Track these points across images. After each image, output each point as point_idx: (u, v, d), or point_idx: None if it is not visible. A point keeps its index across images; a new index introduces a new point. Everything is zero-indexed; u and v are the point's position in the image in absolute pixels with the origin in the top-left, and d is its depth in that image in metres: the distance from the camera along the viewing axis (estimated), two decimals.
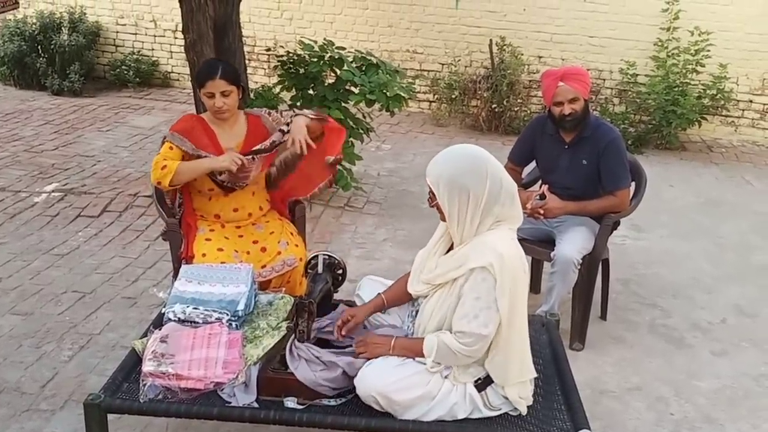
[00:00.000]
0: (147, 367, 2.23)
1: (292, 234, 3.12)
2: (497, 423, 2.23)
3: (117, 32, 8.34)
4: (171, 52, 8.25)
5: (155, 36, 8.27)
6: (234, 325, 2.42)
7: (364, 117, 5.26)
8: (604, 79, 7.43)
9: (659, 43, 7.12)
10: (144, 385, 2.20)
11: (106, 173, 5.44)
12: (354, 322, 2.44)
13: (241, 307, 2.46)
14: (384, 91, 4.85)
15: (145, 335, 2.46)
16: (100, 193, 5.02)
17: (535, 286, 3.90)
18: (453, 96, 7.31)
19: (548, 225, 3.48)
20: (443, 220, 2.26)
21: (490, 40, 7.16)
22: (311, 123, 3.08)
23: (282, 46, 7.71)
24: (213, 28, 4.56)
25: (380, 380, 2.18)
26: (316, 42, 5.09)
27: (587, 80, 3.39)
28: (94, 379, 2.99)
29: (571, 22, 7.34)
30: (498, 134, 7.08)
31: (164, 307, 2.50)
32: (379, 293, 2.50)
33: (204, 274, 2.62)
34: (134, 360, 2.36)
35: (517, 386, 2.24)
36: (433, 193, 2.21)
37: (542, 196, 3.35)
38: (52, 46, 7.63)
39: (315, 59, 4.98)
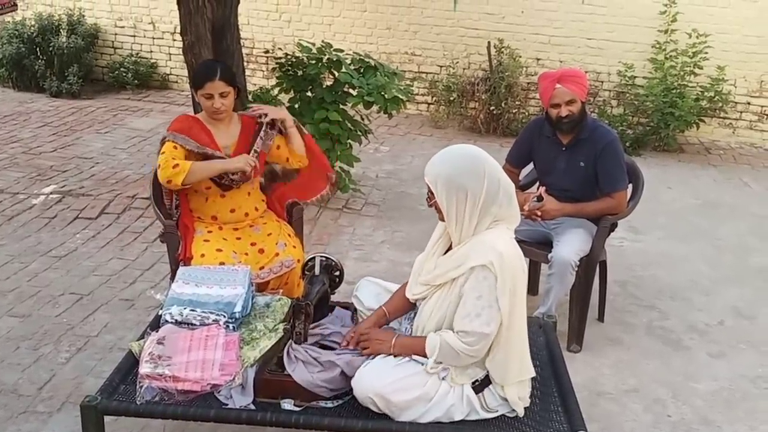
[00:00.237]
0: (144, 369, 2.22)
1: (289, 235, 3.13)
2: (494, 425, 2.23)
3: (115, 34, 8.34)
4: (170, 54, 8.25)
5: (154, 38, 8.28)
6: (231, 327, 2.42)
7: (362, 119, 5.26)
8: (602, 82, 7.44)
9: (657, 46, 7.13)
10: (141, 387, 2.20)
11: (104, 175, 5.45)
12: (357, 336, 2.43)
13: (238, 309, 2.46)
14: (382, 93, 4.86)
15: (142, 337, 2.46)
16: (98, 195, 5.02)
17: (532, 288, 3.90)
18: (451, 98, 7.31)
19: (545, 227, 3.48)
20: (442, 219, 2.27)
21: (488, 43, 7.17)
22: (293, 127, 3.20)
23: (280, 49, 7.72)
24: (211, 30, 4.56)
25: (377, 381, 2.18)
26: (314, 44, 5.10)
27: (584, 82, 3.39)
28: (91, 381, 2.99)
29: (569, 25, 7.35)
30: (496, 136, 7.09)
31: (161, 309, 2.50)
32: (381, 306, 2.48)
33: (201, 276, 2.62)
34: (131, 362, 2.36)
35: (517, 386, 2.24)
36: (432, 193, 2.22)
37: (539, 198, 3.36)
38: (51, 48, 7.63)
39: (313, 61, 4.98)
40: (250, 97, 5.03)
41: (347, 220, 4.98)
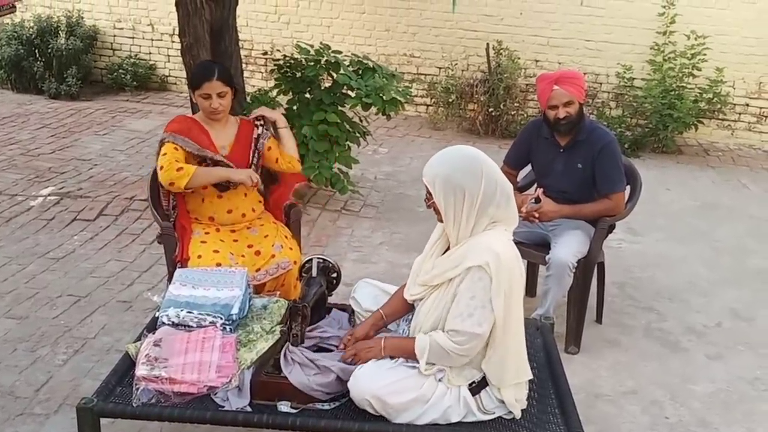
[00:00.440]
0: (140, 371, 2.22)
1: (286, 237, 3.13)
2: (491, 427, 2.23)
3: (114, 36, 8.34)
4: (168, 55, 8.26)
5: (153, 40, 8.28)
6: (228, 329, 2.42)
7: (361, 121, 5.27)
8: (601, 83, 7.44)
9: (656, 47, 7.13)
10: (137, 389, 2.19)
11: (102, 177, 5.44)
12: (354, 340, 2.43)
13: (235, 310, 2.46)
14: (380, 94, 4.86)
15: (138, 339, 2.45)
16: (96, 197, 5.02)
17: (530, 290, 3.89)
18: (450, 100, 7.32)
19: (543, 228, 3.48)
20: (440, 220, 2.27)
21: (487, 44, 7.18)
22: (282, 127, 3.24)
23: (279, 50, 7.72)
24: (209, 31, 4.56)
25: (374, 383, 2.18)
26: (312, 46, 5.10)
27: (582, 84, 3.39)
28: (88, 383, 2.99)
29: (567, 26, 7.35)
30: (495, 138, 7.09)
31: (158, 310, 2.50)
32: (378, 309, 2.47)
33: (198, 278, 2.62)
34: (127, 364, 2.36)
35: (513, 388, 2.24)
36: (430, 193, 2.22)
37: (537, 200, 3.36)
38: (50, 50, 7.63)
39: (311, 63, 4.98)
40: (248, 99, 5.03)
41: (346, 222, 4.98)
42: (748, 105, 7.32)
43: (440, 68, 7.70)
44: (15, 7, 6.99)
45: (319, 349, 2.48)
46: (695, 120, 6.88)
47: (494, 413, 2.25)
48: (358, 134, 5.18)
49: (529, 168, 3.70)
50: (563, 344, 3.42)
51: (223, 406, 2.21)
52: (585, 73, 7.15)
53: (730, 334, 3.75)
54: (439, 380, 2.22)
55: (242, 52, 5.58)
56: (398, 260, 4.35)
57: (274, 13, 7.96)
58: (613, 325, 3.76)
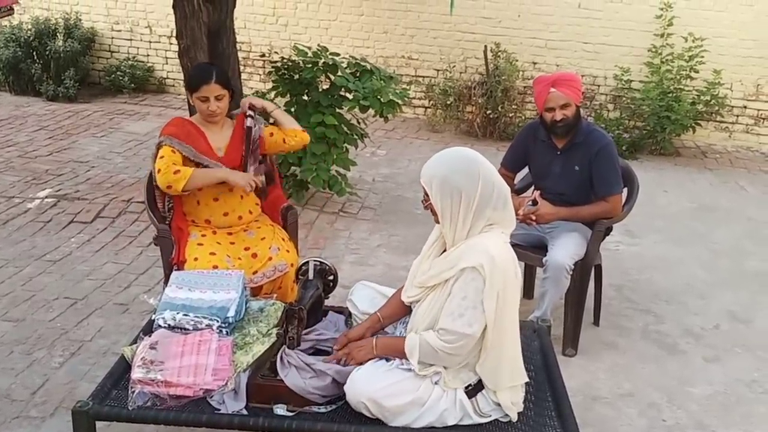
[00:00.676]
0: (136, 374, 2.21)
1: (283, 240, 3.12)
2: (487, 430, 2.22)
3: (112, 38, 8.35)
4: (166, 57, 8.26)
5: (150, 42, 8.29)
6: (224, 332, 2.41)
7: (359, 123, 5.27)
8: (599, 85, 7.45)
9: (653, 50, 7.14)
10: (133, 392, 2.19)
11: (99, 179, 5.44)
12: (347, 341, 2.42)
13: (231, 313, 2.45)
14: (378, 96, 4.86)
15: (134, 342, 2.45)
16: (93, 199, 5.01)
17: (527, 292, 3.89)
18: (448, 102, 7.32)
19: (540, 231, 3.48)
20: (437, 222, 2.27)
21: (485, 47, 7.18)
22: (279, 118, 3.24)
23: (276, 52, 7.72)
24: (207, 33, 4.56)
25: (370, 386, 2.17)
26: (310, 48, 5.10)
27: (579, 86, 3.39)
28: (84, 386, 2.98)
29: (565, 29, 7.36)
30: (493, 140, 7.10)
31: (154, 313, 2.49)
32: (375, 312, 2.47)
33: (195, 281, 2.61)
34: (123, 367, 2.35)
35: (510, 391, 2.23)
36: (427, 194, 2.22)
37: (534, 202, 3.36)
38: (48, 52, 7.63)
39: (309, 65, 4.99)
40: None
41: (343, 224, 4.98)
42: (745, 107, 7.33)
43: (438, 70, 7.71)
44: (13, 9, 6.98)
45: (316, 352, 2.48)
46: (693, 122, 6.89)
47: (491, 416, 2.24)
48: (355, 136, 5.18)
49: (526, 170, 3.70)
50: (560, 346, 3.42)
51: (219, 410, 2.20)
52: (583, 76, 7.17)
53: (727, 337, 3.75)
54: (436, 383, 2.21)
55: (240, 54, 5.57)
56: (396, 262, 4.34)
57: (272, 15, 7.96)
58: (611, 328, 3.76)
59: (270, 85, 5.40)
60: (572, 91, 3.32)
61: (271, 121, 3.31)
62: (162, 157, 2.93)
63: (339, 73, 4.92)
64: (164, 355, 2.28)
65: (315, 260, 2.75)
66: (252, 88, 7.44)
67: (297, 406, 2.24)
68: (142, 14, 8.21)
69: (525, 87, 7.29)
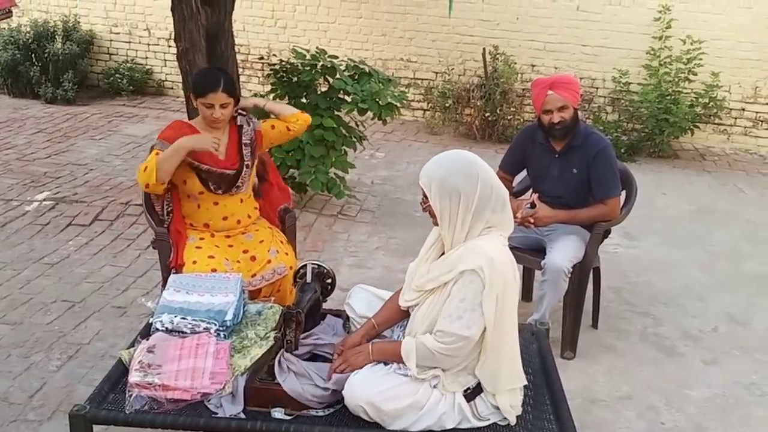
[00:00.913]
0: (133, 377, 2.21)
1: (281, 242, 3.12)
2: None
3: (111, 41, 8.35)
4: (165, 60, 8.26)
5: (149, 44, 8.29)
6: (222, 335, 2.40)
7: (357, 125, 5.27)
8: (597, 88, 7.46)
9: (651, 52, 7.15)
10: (130, 396, 2.18)
11: (98, 182, 5.43)
12: (343, 350, 2.41)
13: (229, 317, 2.45)
14: (376, 99, 4.86)
15: (132, 345, 2.44)
16: (91, 202, 5.01)
17: (526, 295, 3.90)
18: (446, 104, 7.33)
19: (539, 233, 3.48)
20: (435, 224, 2.27)
21: (484, 49, 7.19)
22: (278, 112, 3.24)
23: (275, 55, 7.73)
24: (205, 36, 4.56)
25: (368, 390, 2.17)
26: (308, 50, 5.11)
27: (576, 89, 3.40)
28: (82, 390, 2.97)
29: (564, 31, 7.37)
30: (491, 142, 7.10)
31: (152, 316, 2.48)
32: (370, 318, 2.46)
33: (192, 284, 2.61)
34: (121, 370, 2.34)
35: (508, 394, 2.23)
36: (426, 196, 2.22)
37: (532, 205, 3.36)
38: (46, 55, 7.63)
39: (307, 68, 4.99)
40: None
41: (342, 227, 4.98)
42: (743, 110, 7.33)
43: (437, 73, 7.71)
44: (11, 11, 6.98)
45: (314, 357, 2.47)
46: (691, 125, 6.89)
47: (489, 420, 2.24)
48: (354, 139, 5.18)
49: (524, 173, 3.70)
50: (559, 349, 3.42)
51: (217, 413, 2.20)
52: (581, 78, 7.17)
53: (726, 339, 3.75)
54: (434, 386, 2.21)
55: (238, 57, 5.58)
56: (394, 265, 4.34)
57: (270, 18, 7.96)
58: (609, 330, 3.76)
59: (268, 87, 5.40)
60: (570, 93, 3.32)
61: (272, 116, 3.32)
62: (147, 161, 2.94)
63: (337, 76, 4.92)
64: (162, 358, 2.27)
65: (313, 263, 2.75)
66: (251, 91, 7.44)
67: (295, 410, 2.23)
68: (140, 17, 8.21)
69: (523, 89, 7.29)
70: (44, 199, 5.03)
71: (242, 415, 2.20)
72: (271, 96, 5.17)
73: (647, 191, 5.41)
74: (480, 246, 2.16)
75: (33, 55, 7.70)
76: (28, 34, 7.72)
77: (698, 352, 3.61)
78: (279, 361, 2.32)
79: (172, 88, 8.29)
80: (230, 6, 4.78)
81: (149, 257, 4.23)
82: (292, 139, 3.36)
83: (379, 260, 4.48)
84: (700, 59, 6.88)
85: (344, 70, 5.00)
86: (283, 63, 5.21)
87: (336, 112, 5.04)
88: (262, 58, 7.93)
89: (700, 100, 6.96)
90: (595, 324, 3.75)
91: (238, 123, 3.12)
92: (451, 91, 7.30)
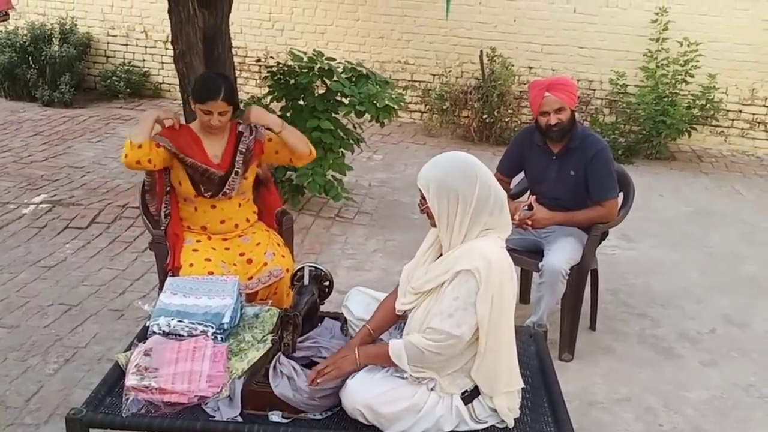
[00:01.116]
0: (130, 380, 2.20)
1: (278, 245, 3.12)
2: None
3: (108, 43, 8.34)
4: (162, 62, 8.25)
5: (146, 47, 8.28)
6: (219, 338, 2.40)
7: (355, 127, 5.26)
8: (594, 90, 7.46)
9: (649, 54, 7.16)
10: (127, 399, 2.17)
11: (95, 184, 5.42)
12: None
13: (226, 320, 2.44)
14: (374, 101, 4.86)
15: (129, 348, 2.43)
16: (88, 205, 5.00)
17: (524, 297, 3.90)
18: (444, 106, 7.33)
19: (536, 235, 3.48)
20: (433, 225, 2.26)
21: (481, 51, 7.19)
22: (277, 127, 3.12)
23: (272, 57, 7.72)
24: (202, 38, 4.55)
25: (366, 393, 2.16)
26: (305, 53, 5.10)
27: (574, 90, 3.40)
28: (79, 393, 2.96)
29: (561, 33, 7.37)
30: (489, 144, 7.10)
31: (149, 319, 2.48)
32: (365, 325, 2.44)
33: (189, 287, 2.60)
34: (117, 374, 2.34)
35: (506, 396, 2.23)
36: (424, 198, 2.22)
37: (530, 207, 3.36)
38: (43, 57, 7.62)
39: (305, 70, 4.99)
40: (242, 106, 5.02)
41: (339, 229, 4.97)
42: (741, 111, 7.34)
43: (434, 75, 7.71)
44: (8, 14, 6.97)
45: (312, 363, 2.44)
46: (688, 126, 6.89)
47: (487, 422, 2.23)
48: (351, 141, 5.18)
49: (522, 175, 3.70)
50: (557, 351, 3.42)
51: (214, 417, 2.19)
52: (578, 80, 7.18)
53: (723, 341, 3.75)
54: (432, 389, 2.20)
55: (236, 59, 5.58)
56: (392, 267, 4.33)
57: (267, 20, 7.96)
58: (607, 332, 3.75)
59: (266, 90, 5.40)
60: (567, 95, 3.32)
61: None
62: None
63: (335, 78, 4.92)
64: (159, 361, 2.27)
65: (310, 266, 2.74)
66: (248, 93, 7.44)
67: (292, 413, 2.23)
68: (137, 19, 8.20)
69: (521, 92, 7.30)
70: (41, 202, 5.02)
71: (239, 419, 2.20)
72: (269, 99, 5.17)
73: (644, 193, 5.42)
74: (478, 247, 2.15)
75: (30, 58, 7.69)
76: (25, 37, 7.71)
77: (696, 354, 3.61)
78: (274, 366, 2.31)
79: (169, 91, 8.28)
80: (227, 8, 4.78)
81: (146, 260, 4.22)
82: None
83: (376, 263, 4.47)
84: (697, 61, 6.88)
85: (342, 73, 5.00)
86: (281, 65, 5.21)
87: (333, 115, 5.04)
88: (259, 60, 7.93)
89: (697, 102, 6.97)
90: (593, 326, 3.75)
91: (239, 129, 3.09)
92: (449, 94, 7.30)
